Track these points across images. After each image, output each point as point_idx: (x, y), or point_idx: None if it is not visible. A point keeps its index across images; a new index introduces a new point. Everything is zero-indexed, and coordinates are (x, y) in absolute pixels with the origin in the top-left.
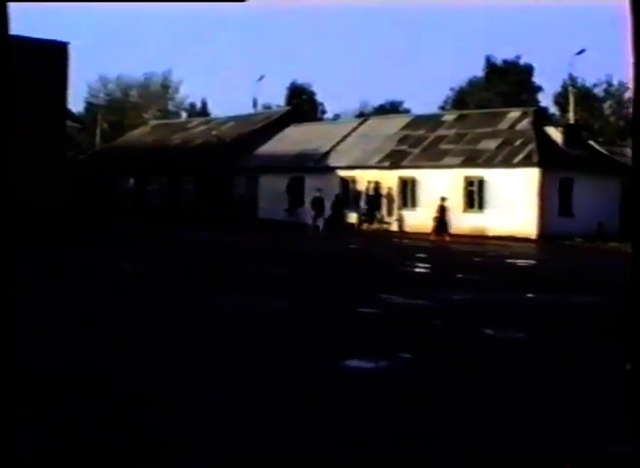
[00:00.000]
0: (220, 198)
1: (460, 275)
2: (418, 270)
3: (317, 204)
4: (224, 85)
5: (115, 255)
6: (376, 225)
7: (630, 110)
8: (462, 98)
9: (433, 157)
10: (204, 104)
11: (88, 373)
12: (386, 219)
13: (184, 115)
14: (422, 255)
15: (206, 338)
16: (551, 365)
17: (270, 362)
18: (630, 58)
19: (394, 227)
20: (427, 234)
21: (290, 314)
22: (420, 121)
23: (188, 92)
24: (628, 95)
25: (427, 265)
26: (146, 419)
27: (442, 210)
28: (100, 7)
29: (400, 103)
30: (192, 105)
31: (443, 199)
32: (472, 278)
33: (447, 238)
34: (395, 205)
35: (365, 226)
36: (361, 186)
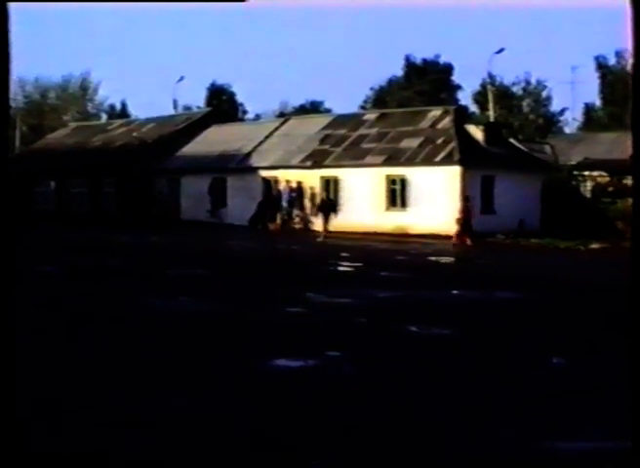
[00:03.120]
0: (142, 200)
1: (384, 273)
2: (342, 269)
3: (325, 207)
4: (144, 86)
5: (33, 258)
6: (298, 225)
7: (549, 108)
8: (382, 98)
9: (355, 156)
10: (124, 106)
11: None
12: (310, 219)
13: (104, 117)
14: (346, 254)
15: (134, 341)
16: (476, 361)
17: (199, 363)
18: (630, 59)
19: (317, 226)
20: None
21: (216, 314)
22: (341, 120)
23: (107, 93)
24: (546, 93)
25: (351, 264)
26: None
27: (466, 211)
28: (16, 6)
29: (320, 103)
30: (112, 107)
31: (467, 199)
32: (396, 276)
33: (468, 241)
34: (318, 204)
35: (287, 226)
36: (283, 186)
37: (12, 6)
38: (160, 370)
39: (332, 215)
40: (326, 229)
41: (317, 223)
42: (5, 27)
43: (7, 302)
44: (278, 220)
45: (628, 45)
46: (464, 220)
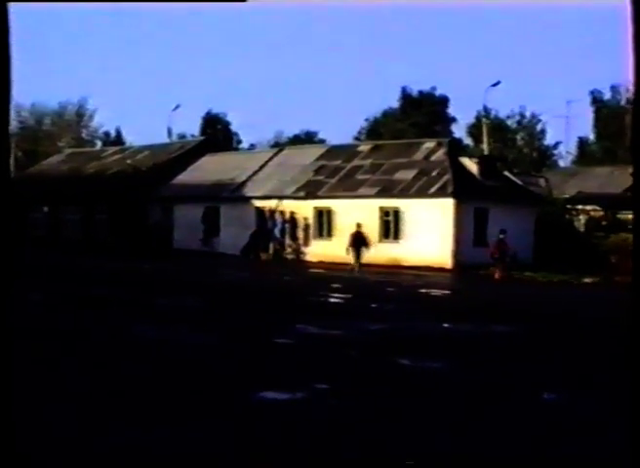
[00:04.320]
0: (135, 227)
1: (374, 305)
2: (333, 300)
3: (357, 240)
4: (138, 114)
5: (23, 285)
6: (290, 255)
7: (543, 142)
8: (377, 129)
9: (349, 187)
10: (118, 133)
11: None
12: (302, 249)
13: (99, 144)
14: (337, 286)
15: (124, 371)
16: (468, 394)
17: (187, 394)
18: (630, 60)
19: (309, 257)
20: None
21: (205, 345)
22: (335, 151)
23: (103, 120)
24: (540, 126)
25: (342, 295)
26: None
27: (503, 245)
28: (17, 32)
29: (315, 134)
30: (106, 134)
31: (503, 232)
32: (388, 308)
33: (503, 275)
34: (311, 235)
35: (279, 256)
36: (276, 216)
37: (13, 30)
38: (146, 402)
39: (363, 249)
40: (359, 263)
41: (310, 254)
42: (5, 28)
43: (7, 303)
44: (270, 250)
45: (628, 46)
46: (500, 254)
